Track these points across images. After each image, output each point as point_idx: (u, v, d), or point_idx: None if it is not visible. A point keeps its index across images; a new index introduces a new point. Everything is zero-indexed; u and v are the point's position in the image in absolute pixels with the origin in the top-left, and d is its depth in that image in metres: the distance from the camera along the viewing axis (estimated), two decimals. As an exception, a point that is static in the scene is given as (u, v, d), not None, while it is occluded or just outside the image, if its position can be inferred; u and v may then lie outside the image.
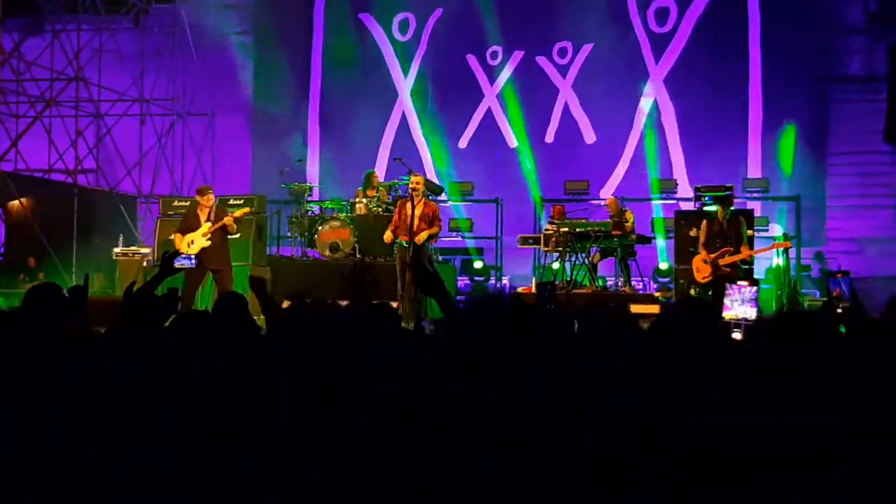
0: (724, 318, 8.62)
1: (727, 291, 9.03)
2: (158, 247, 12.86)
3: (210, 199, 10.76)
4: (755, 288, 8.83)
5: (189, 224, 10.71)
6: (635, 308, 8.97)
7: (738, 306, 8.88)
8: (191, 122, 18.17)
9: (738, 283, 9.13)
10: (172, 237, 10.85)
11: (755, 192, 15.56)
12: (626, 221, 13.15)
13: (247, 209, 11.70)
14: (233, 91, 18.04)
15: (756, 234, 13.02)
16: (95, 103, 17.75)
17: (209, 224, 10.51)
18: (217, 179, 17.32)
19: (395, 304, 9.95)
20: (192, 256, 10.35)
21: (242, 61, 18.31)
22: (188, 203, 12.15)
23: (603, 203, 14.67)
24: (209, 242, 10.44)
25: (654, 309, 10.47)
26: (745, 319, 8.64)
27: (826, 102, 16.32)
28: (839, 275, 13.03)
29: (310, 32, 18.43)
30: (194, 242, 10.46)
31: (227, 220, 10.53)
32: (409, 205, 10.91)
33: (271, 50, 18.21)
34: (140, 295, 4.36)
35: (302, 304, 3.82)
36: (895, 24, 16.13)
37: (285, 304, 4.38)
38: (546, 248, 13.52)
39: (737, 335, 7.70)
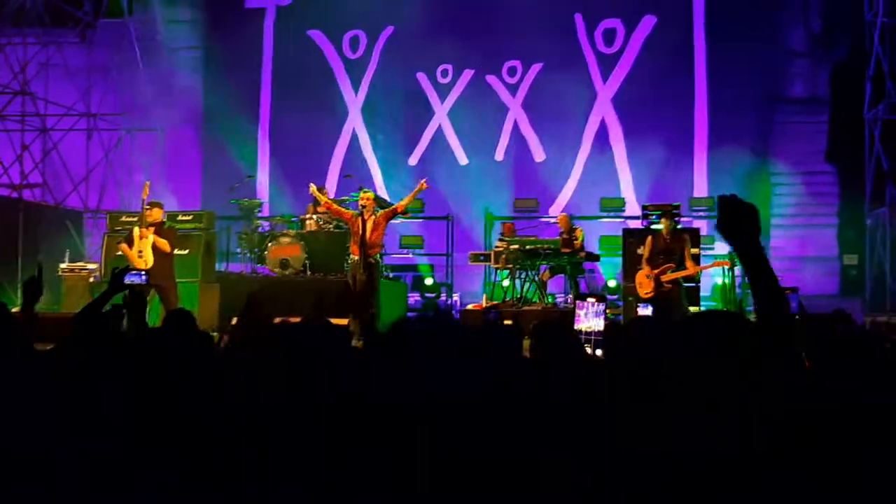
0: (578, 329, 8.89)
1: (579, 305, 9.26)
2: (106, 263, 12.71)
3: (156, 216, 10.71)
4: (604, 304, 9.11)
5: (132, 240, 10.68)
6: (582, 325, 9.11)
7: (591, 319, 9.11)
8: (139, 137, 18.02)
9: (588, 299, 9.34)
10: (119, 248, 10.80)
11: (701, 210, 15.79)
12: (576, 239, 13.30)
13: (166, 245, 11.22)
14: (182, 106, 17.91)
15: (702, 252, 13.23)
16: (42, 118, 17.52)
17: (140, 229, 10.51)
18: (166, 195, 17.17)
19: (345, 322, 9.94)
20: (143, 273, 10.27)
21: (192, 76, 18.21)
22: (135, 219, 12.05)
23: (553, 220, 14.82)
24: (151, 257, 10.43)
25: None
26: (595, 332, 8.91)
27: (770, 123, 16.65)
28: (788, 291, 13.23)
29: (260, 48, 18.36)
30: (143, 252, 10.44)
31: (158, 241, 10.52)
32: (359, 220, 10.93)
33: (221, 65, 18.13)
34: (89, 312, 4.33)
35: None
36: (837, 47, 16.52)
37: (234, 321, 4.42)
38: (496, 265, 13.62)
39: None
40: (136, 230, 10.60)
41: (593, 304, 9.22)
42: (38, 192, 17.49)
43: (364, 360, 2.96)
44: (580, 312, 9.29)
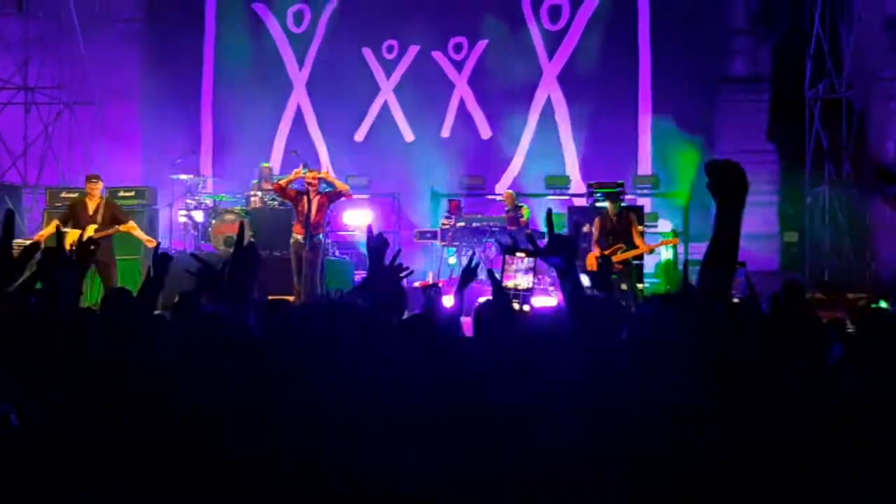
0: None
1: (507, 261, 9.24)
2: (45, 240, 12.47)
3: (97, 188, 10.56)
4: (531, 259, 9.03)
5: (76, 214, 10.49)
6: (536, 302, 9.13)
7: (520, 276, 9.08)
8: (78, 110, 17.64)
9: (517, 254, 9.30)
10: (55, 225, 10.61)
11: (645, 188, 15.92)
12: (522, 216, 13.35)
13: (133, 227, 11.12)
14: (122, 79, 17.55)
15: (646, 230, 13.36)
16: (-23, 91, 17.12)
17: (96, 226, 10.34)
18: (106, 169, 16.85)
19: (291, 299, 9.90)
20: None
21: (132, 49, 17.83)
22: (76, 194, 11.86)
23: (499, 198, 14.85)
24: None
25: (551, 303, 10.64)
26: (524, 289, 8.89)
27: (712, 101, 16.81)
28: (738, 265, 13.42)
29: (202, 21, 18.07)
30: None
31: (124, 228, 10.39)
32: (305, 199, 10.87)
33: (162, 37, 17.79)
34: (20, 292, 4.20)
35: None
36: (778, 25, 16.71)
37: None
38: (443, 243, 13.63)
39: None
40: (92, 228, 10.39)
41: (522, 261, 9.15)
42: (-26, 168, 17.12)
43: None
44: (509, 268, 9.20)
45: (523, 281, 9.09)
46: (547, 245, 3.21)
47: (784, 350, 2.90)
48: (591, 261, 11.26)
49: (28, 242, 4.72)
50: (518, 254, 9.46)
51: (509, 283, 9.07)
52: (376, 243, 3.75)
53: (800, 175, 16.06)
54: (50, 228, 10.38)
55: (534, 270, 9.39)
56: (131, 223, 10.61)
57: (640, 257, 11.84)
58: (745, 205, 2.63)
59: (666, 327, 2.74)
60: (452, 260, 13.34)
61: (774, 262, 15.95)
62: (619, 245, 10.97)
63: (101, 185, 10.70)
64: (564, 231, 13.39)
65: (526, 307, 8.17)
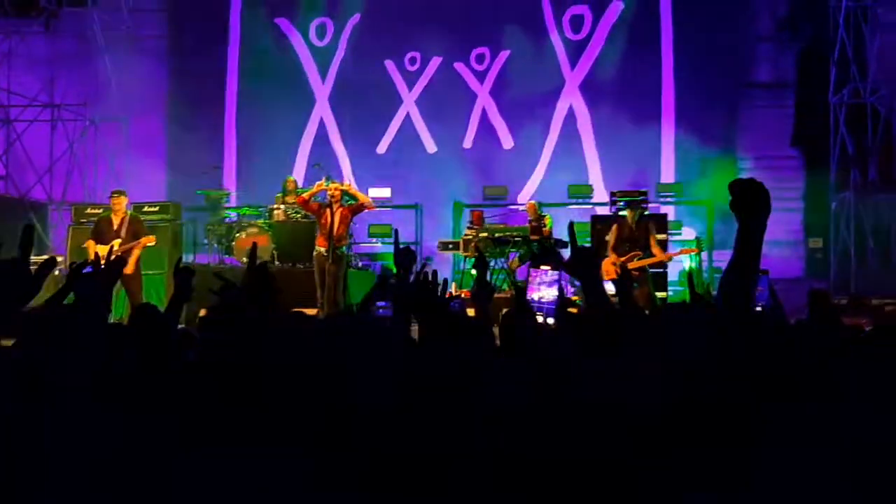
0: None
1: (532, 273, 9.19)
2: (71, 255, 12.60)
3: (121, 203, 10.64)
4: (557, 272, 8.98)
5: (101, 230, 10.60)
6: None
7: (544, 289, 9.02)
8: (103, 127, 17.81)
9: (542, 266, 9.23)
10: (86, 246, 10.70)
11: (669, 196, 15.86)
12: (545, 226, 13.33)
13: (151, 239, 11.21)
14: (147, 96, 17.72)
15: (669, 237, 13.30)
16: (5, 108, 17.31)
17: (120, 240, 10.44)
18: (131, 186, 17.04)
19: (313, 312, 9.94)
20: None
21: (157, 66, 18.01)
22: (101, 210, 11.98)
23: (522, 208, 14.84)
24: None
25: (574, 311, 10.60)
26: (549, 301, 8.82)
27: (737, 108, 16.74)
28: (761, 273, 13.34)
29: (226, 36, 18.21)
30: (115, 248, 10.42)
31: (144, 241, 10.47)
32: (328, 212, 10.91)
33: (187, 54, 17.96)
34: (48, 306, 4.25)
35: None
36: (802, 31, 16.63)
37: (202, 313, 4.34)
38: (465, 254, 13.62)
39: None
40: (118, 242, 10.50)
41: (547, 273, 9.10)
42: (1, 185, 17.30)
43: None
44: (533, 281, 9.15)
45: (548, 293, 9.03)
46: (570, 258, 3.27)
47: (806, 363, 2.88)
48: (607, 266, 11.20)
49: (44, 258, 4.79)
50: (543, 266, 9.43)
51: (534, 296, 9.03)
52: (402, 260, 3.73)
53: (824, 181, 15.93)
54: (92, 247, 10.49)
55: (558, 283, 9.35)
56: (151, 237, 10.69)
57: (660, 265, 11.78)
58: (766, 225, 2.64)
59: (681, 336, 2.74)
60: (474, 271, 13.33)
61: (799, 269, 15.85)
62: (635, 252, 10.91)
63: (125, 200, 10.79)
64: (587, 242, 13.37)
65: (550, 320, 8.11)
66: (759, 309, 5.00)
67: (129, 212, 10.92)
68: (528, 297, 8.79)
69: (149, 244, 10.68)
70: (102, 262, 3.81)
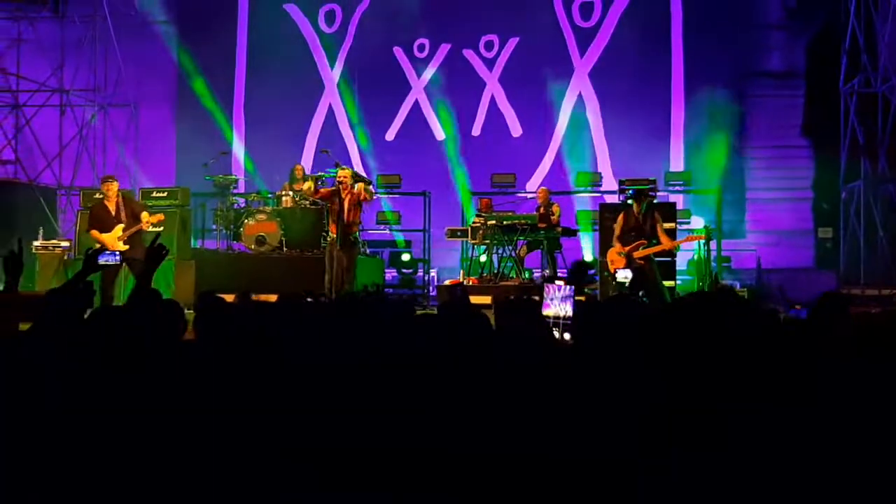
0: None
1: (546, 289, 9.13)
2: (79, 240, 12.62)
3: (113, 189, 10.62)
4: (572, 287, 8.93)
5: (100, 218, 10.58)
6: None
7: (557, 304, 8.96)
8: (113, 112, 17.84)
9: (556, 282, 9.20)
10: (91, 234, 10.67)
11: (677, 185, 15.81)
12: (553, 214, 13.30)
13: (159, 218, 11.08)
14: (156, 81, 17.75)
15: (679, 226, 13.26)
16: (14, 94, 17.33)
17: (122, 225, 10.44)
18: (141, 171, 17.11)
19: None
20: (117, 253, 10.26)
21: (166, 51, 18.01)
22: (94, 199, 11.99)
23: (532, 195, 14.82)
24: (126, 246, 10.39)
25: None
26: (564, 317, 8.75)
27: (746, 97, 16.68)
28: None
29: (235, 22, 18.19)
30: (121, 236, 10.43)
31: (144, 224, 10.45)
32: (337, 198, 10.91)
33: (196, 40, 17.94)
34: (62, 292, 4.28)
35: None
36: (813, 20, 16.54)
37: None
38: (473, 241, 13.61)
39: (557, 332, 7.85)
40: (120, 228, 10.50)
41: (560, 289, 9.03)
42: (10, 169, 17.34)
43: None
44: (547, 297, 9.09)
45: (563, 309, 8.94)
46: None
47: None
48: (612, 255, 11.18)
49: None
50: (557, 282, 9.41)
51: (549, 313, 8.97)
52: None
53: (835, 170, 15.89)
54: (97, 236, 10.50)
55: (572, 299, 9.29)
56: (144, 213, 10.65)
57: (667, 254, 11.75)
58: None
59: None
60: (483, 258, 13.31)
61: (809, 259, 15.82)
62: (640, 241, 10.89)
63: (116, 185, 10.77)
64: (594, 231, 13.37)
65: (567, 335, 8.04)
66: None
67: (120, 193, 10.86)
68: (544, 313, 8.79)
69: (154, 226, 10.54)
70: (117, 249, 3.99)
